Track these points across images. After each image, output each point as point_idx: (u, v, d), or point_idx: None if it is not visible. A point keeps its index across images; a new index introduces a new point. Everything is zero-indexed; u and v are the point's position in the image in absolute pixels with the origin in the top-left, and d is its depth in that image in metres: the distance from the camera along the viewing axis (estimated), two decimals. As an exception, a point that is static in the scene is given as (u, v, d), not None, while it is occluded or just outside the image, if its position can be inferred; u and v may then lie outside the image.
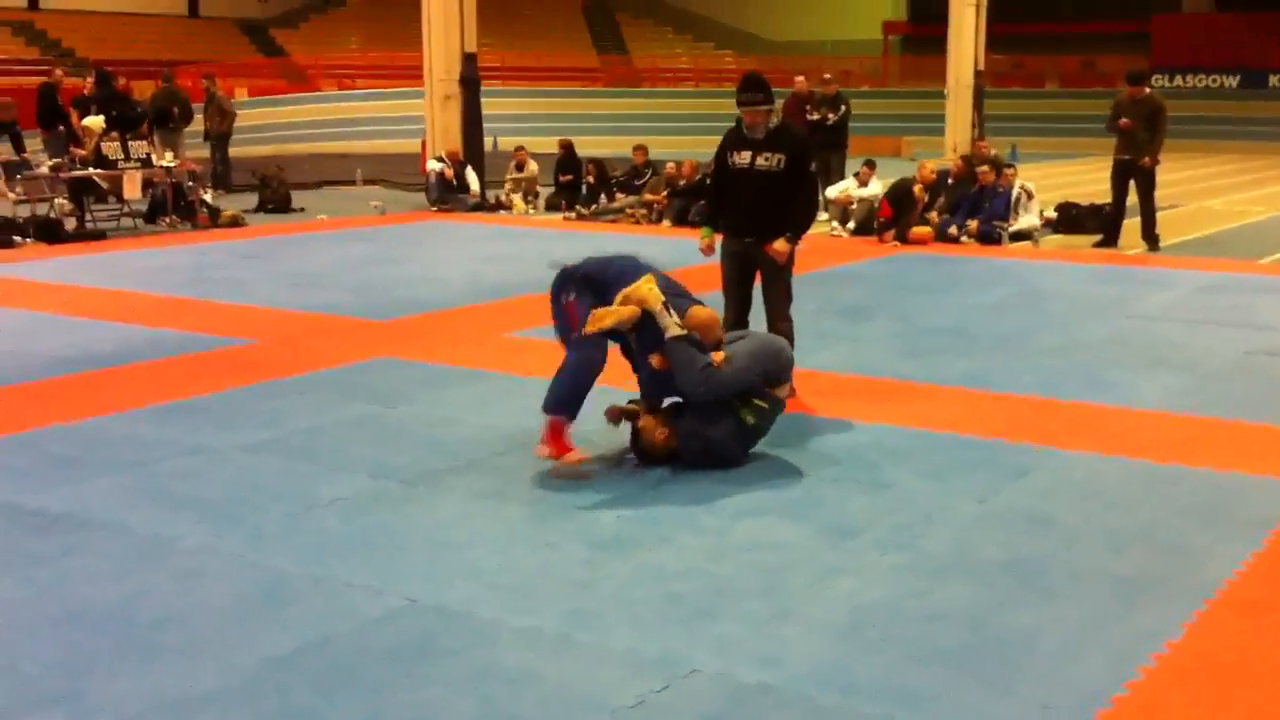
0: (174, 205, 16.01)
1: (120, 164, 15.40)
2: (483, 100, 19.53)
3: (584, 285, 5.95)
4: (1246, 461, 5.92)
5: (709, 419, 5.81)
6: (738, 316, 7.23)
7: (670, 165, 16.99)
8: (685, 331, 5.78)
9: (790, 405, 6.75)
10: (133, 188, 15.45)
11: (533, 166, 18.84)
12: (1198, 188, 21.90)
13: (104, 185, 15.60)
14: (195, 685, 3.72)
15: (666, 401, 5.99)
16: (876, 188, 15.26)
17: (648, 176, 17.33)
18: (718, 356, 5.79)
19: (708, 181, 14.46)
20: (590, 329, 5.81)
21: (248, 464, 5.91)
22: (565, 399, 5.83)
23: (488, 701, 3.63)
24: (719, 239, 7.39)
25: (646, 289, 5.82)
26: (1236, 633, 4.11)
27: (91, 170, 15.30)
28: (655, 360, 5.82)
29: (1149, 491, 5.53)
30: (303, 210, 17.90)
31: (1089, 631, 4.11)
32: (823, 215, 13.58)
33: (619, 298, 5.84)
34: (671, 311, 5.81)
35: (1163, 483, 5.64)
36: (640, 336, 5.85)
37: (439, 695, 3.67)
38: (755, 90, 7.02)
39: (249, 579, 4.53)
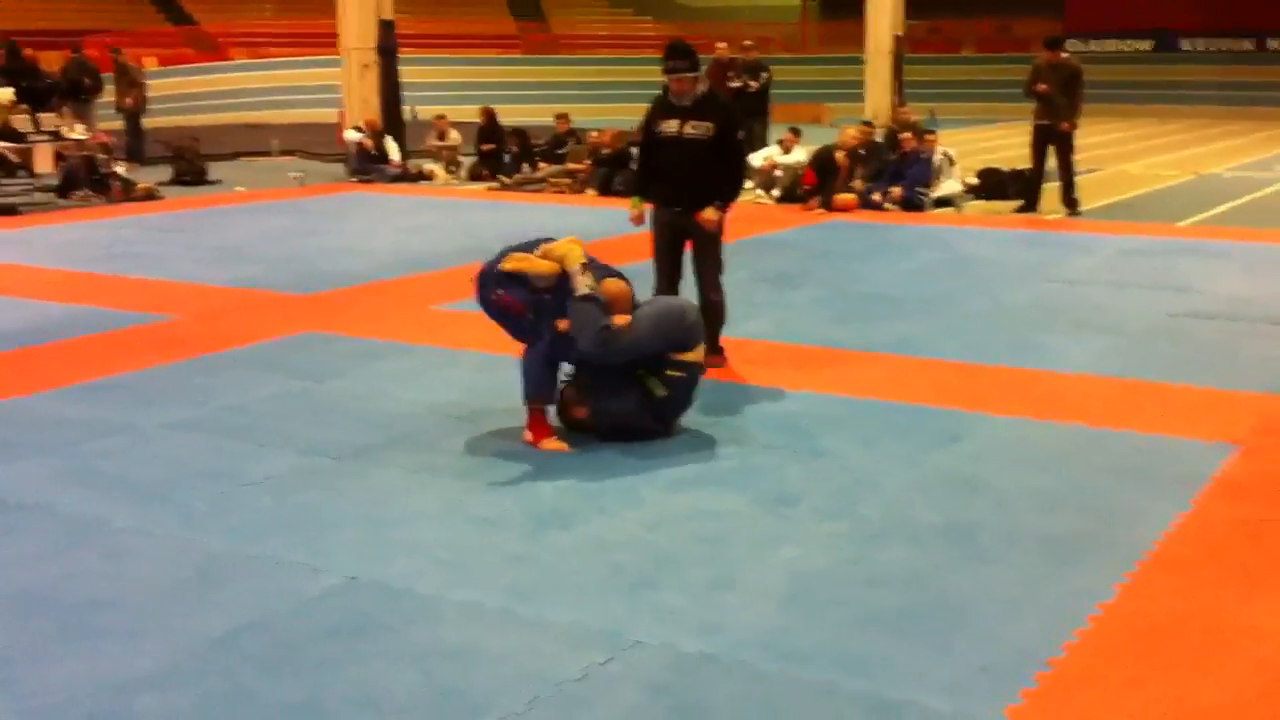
0: (87, 179, 15.66)
1: (30, 137, 15.04)
2: (401, 69, 19.30)
3: (506, 278, 5.85)
4: (1172, 423, 6.02)
5: (613, 393, 5.82)
6: (669, 285, 7.22)
7: (594, 133, 16.91)
8: (594, 293, 5.73)
9: (722, 374, 6.80)
10: (44, 161, 15.13)
11: (454, 135, 18.68)
12: (1115, 152, 22.22)
13: (14, 159, 15.24)
14: (134, 667, 3.65)
15: (567, 370, 5.98)
16: (801, 155, 15.31)
17: (570, 145, 17.25)
18: (620, 319, 5.75)
19: (634, 150, 14.48)
20: (505, 266, 5.76)
21: (175, 442, 5.81)
22: (535, 384, 5.81)
23: (431, 677, 3.60)
24: (648, 208, 7.36)
25: (568, 247, 5.77)
26: (1167, 592, 4.18)
27: (0, 144, 14.91)
28: (561, 324, 5.75)
29: (1078, 454, 5.60)
30: (219, 182, 17.61)
31: (1024, 593, 4.16)
32: (748, 183, 13.59)
33: (539, 251, 5.80)
34: (588, 273, 5.76)
35: (1091, 445, 5.72)
36: (552, 297, 5.77)
37: (381, 672, 3.63)
38: (682, 58, 6.99)
39: (183, 559, 4.45)
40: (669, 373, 5.84)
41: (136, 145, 19.89)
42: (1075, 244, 11.70)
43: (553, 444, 5.72)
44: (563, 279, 5.74)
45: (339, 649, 3.77)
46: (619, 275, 6.02)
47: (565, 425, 5.92)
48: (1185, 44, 36.42)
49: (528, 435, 5.77)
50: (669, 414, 5.94)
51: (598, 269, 5.92)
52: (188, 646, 3.79)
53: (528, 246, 5.93)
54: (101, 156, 15.97)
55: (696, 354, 5.98)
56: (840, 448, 5.69)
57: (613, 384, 5.83)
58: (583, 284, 5.71)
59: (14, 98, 15.47)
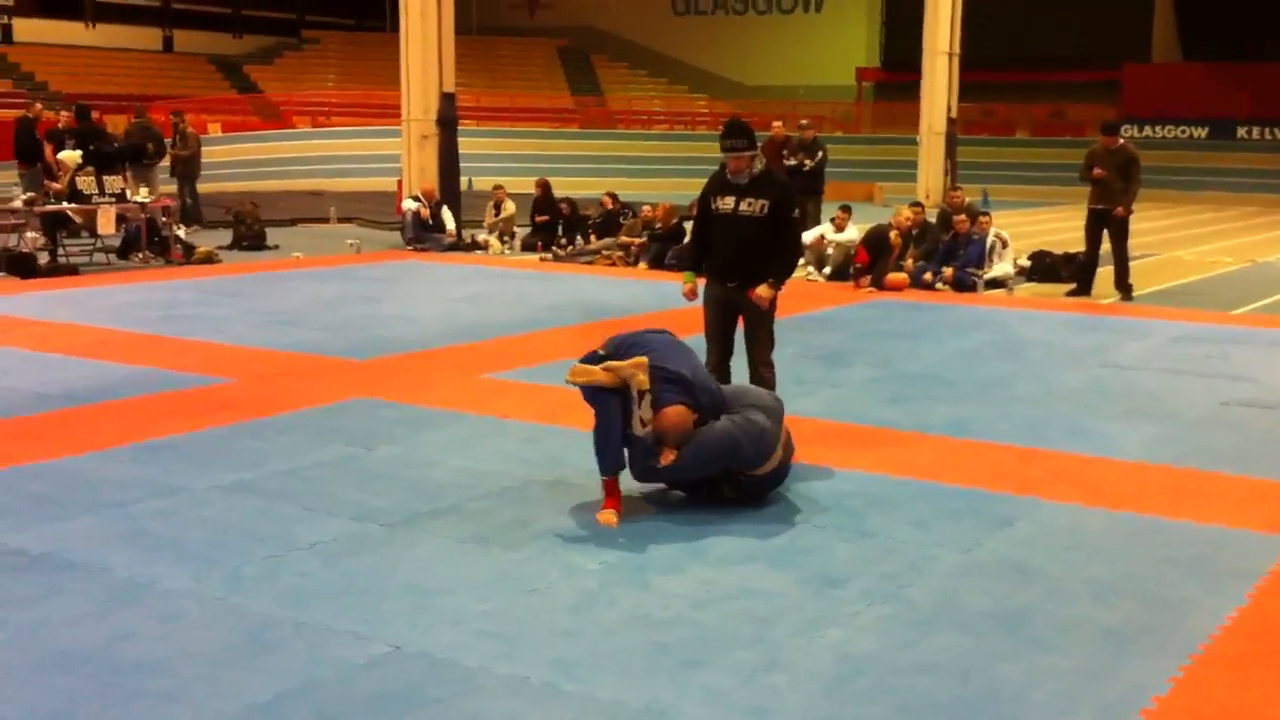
0: (148, 241, 15.93)
1: (94, 199, 15.33)
2: (459, 140, 19.56)
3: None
4: (1227, 514, 5.94)
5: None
6: (719, 361, 7.23)
7: (647, 208, 17.03)
8: (645, 432, 5.82)
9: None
10: (107, 223, 15.37)
11: (510, 206, 18.86)
12: (1169, 238, 22.10)
13: (78, 220, 15.52)
14: (177, 733, 3.66)
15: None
16: (853, 233, 15.33)
17: (627, 218, 17.37)
18: (667, 458, 5.80)
19: (686, 225, 14.56)
20: (568, 379, 5.88)
21: (226, 505, 5.85)
22: (601, 455, 5.86)
23: (475, 752, 3.58)
24: (701, 283, 7.40)
25: (632, 371, 5.84)
26: (1222, 688, 4.11)
27: (66, 205, 15.22)
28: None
29: (1132, 542, 5.53)
30: (277, 248, 17.85)
31: (1077, 684, 4.10)
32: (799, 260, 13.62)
33: (603, 367, 5.88)
34: (644, 405, 5.81)
35: (1145, 534, 5.65)
36: (624, 403, 5.89)
37: (425, 745, 3.62)
38: (739, 136, 7.05)
39: (230, 623, 4.47)
40: (742, 478, 5.98)
41: (194, 207, 20.19)
42: (1128, 329, 11.62)
43: (603, 515, 5.73)
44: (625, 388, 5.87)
45: (383, 719, 3.76)
46: (688, 389, 5.94)
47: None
48: (1241, 131, 36.27)
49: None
50: (749, 495, 6.05)
51: (666, 384, 5.88)
52: (232, 712, 3.79)
53: (594, 359, 6.00)
54: (163, 219, 16.24)
55: (769, 464, 6.01)
56: (890, 529, 5.65)
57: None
58: (637, 422, 5.83)
59: (80, 160, 15.77)
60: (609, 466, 5.84)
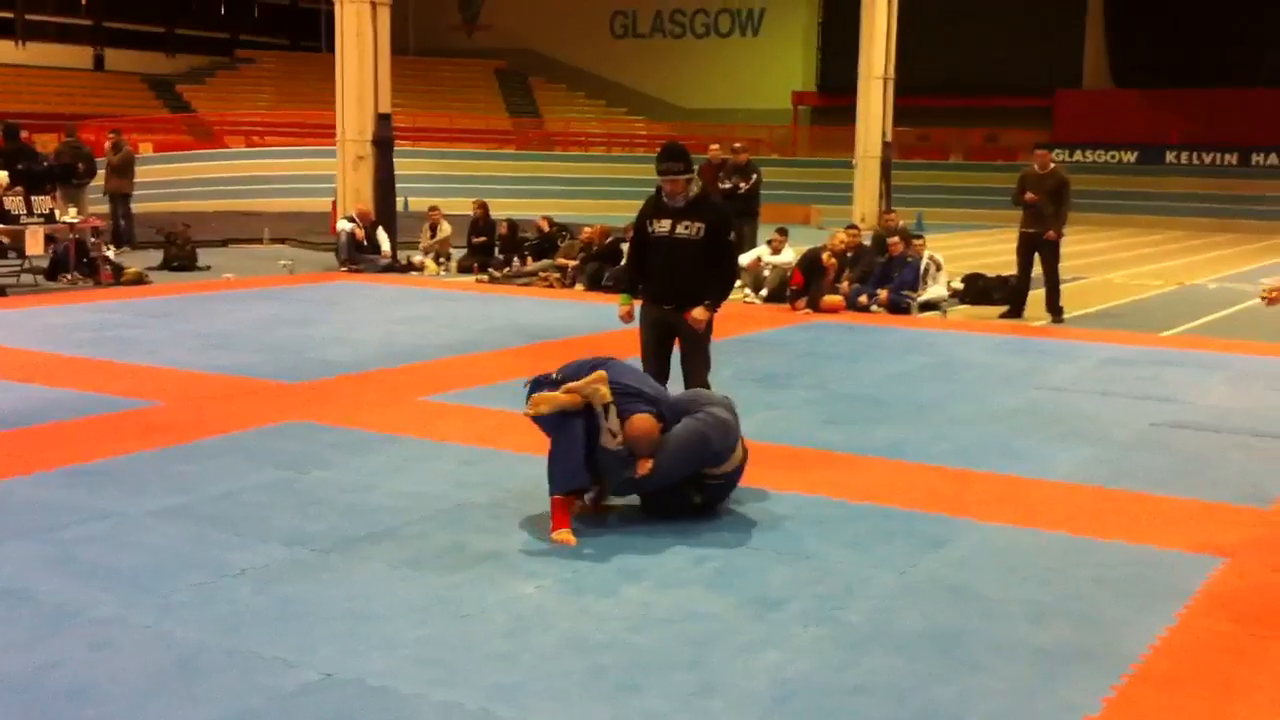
0: (76, 262, 15.69)
1: (23, 219, 15.09)
2: (395, 160, 19.47)
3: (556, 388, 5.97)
4: (1157, 534, 6.01)
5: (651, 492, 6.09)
6: (658, 381, 7.22)
7: (585, 230, 17.04)
8: (617, 445, 5.87)
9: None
10: (35, 243, 15.14)
11: (446, 227, 18.80)
12: (1099, 260, 22.43)
13: (5, 240, 15.28)
14: (104, 764, 3.59)
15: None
16: (789, 255, 15.43)
17: (564, 240, 17.36)
18: (644, 468, 5.88)
19: (623, 247, 14.57)
20: (529, 411, 5.88)
21: (157, 531, 5.76)
22: (562, 475, 5.83)
23: (409, 779, 3.54)
24: (638, 305, 7.41)
25: (593, 388, 5.89)
26: (1153, 707, 4.15)
27: (-7, 225, 14.97)
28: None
29: (1064, 563, 5.59)
30: (209, 269, 17.65)
31: (1011, 705, 4.13)
32: (736, 283, 13.69)
33: (564, 389, 5.88)
34: (610, 417, 5.87)
35: (1077, 554, 5.70)
36: (589, 421, 5.91)
37: (359, 773, 3.57)
38: (676, 159, 7.08)
39: (161, 651, 4.40)
40: (708, 482, 6.09)
41: (127, 229, 19.93)
42: (1060, 351, 11.76)
43: (559, 535, 5.71)
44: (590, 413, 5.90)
45: (316, 747, 3.72)
46: (648, 400, 6.05)
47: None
48: (1170, 156, 36.94)
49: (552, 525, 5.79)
50: (708, 505, 6.17)
51: (626, 397, 5.98)
52: (162, 741, 3.73)
53: (546, 382, 6.03)
54: (92, 240, 16.02)
55: (732, 461, 6.13)
56: (827, 550, 5.67)
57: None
58: (609, 436, 5.86)
59: (8, 180, 15.52)
60: (569, 486, 5.82)
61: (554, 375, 6.10)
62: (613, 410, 5.90)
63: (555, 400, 5.85)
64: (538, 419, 5.91)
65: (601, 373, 5.98)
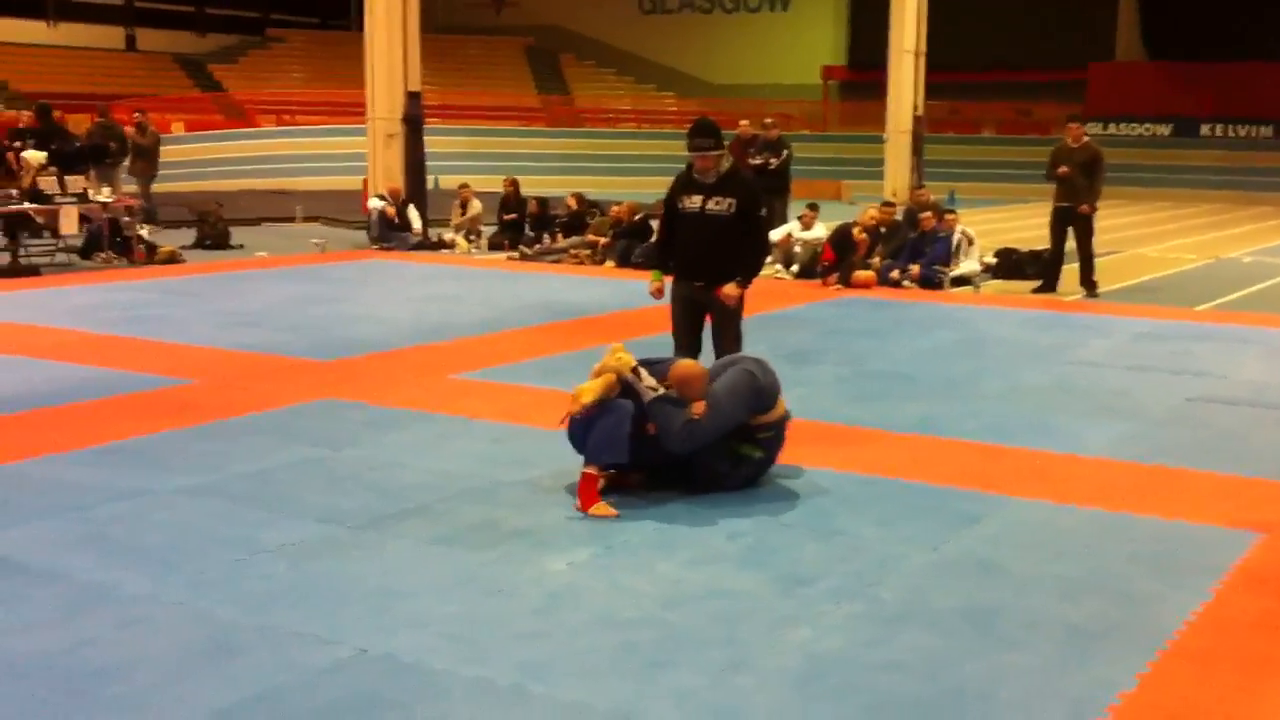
0: (110, 241, 15.78)
1: (56, 199, 15.18)
2: (425, 138, 19.48)
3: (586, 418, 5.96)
4: (1193, 510, 5.95)
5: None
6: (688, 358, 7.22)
7: (615, 207, 17.00)
8: (660, 391, 5.85)
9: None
10: (69, 223, 15.23)
11: (476, 205, 18.79)
12: (1133, 235, 22.24)
13: (39, 220, 15.36)
14: (138, 740, 3.61)
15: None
16: (820, 231, 15.35)
17: (594, 217, 17.34)
18: (698, 408, 5.84)
19: (653, 223, 14.53)
20: (575, 410, 5.86)
21: (189, 508, 5.78)
22: (594, 448, 5.83)
23: (440, 756, 3.55)
24: (669, 282, 7.38)
25: (615, 358, 5.88)
26: (1188, 683, 4.12)
27: (27, 205, 15.05)
28: (650, 427, 5.89)
29: (1098, 539, 5.54)
30: (242, 247, 17.73)
31: (1044, 682, 4.10)
32: (767, 259, 13.64)
33: (591, 373, 5.91)
34: (644, 374, 5.87)
35: (1112, 531, 5.66)
36: (635, 403, 5.91)
37: (390, 749, 3.58)
38: (706, 135, 7.04)
39: (192, 628, 4.42)
40: (759, 435, 6.05)
41: (150, 208, 19.98)
42: (1093, 326, 11.67)
43: (598, 509, 5.71)
44: (628, 386, 5.88)
45: (348, 723, 3.72)
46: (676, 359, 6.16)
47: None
48: (1204, 129, 36.57)
49: (577, 502, 5.78)
50: (758, 471, 6.16)
51: (656, 362, 6.08)
52: (195, 718, 3.74)
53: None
54: (125, 219, 16.10)
55: (779, 409, 6.13)
56: (858, 527, 5.64)
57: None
58: (645, 389, 5.85)
59: (44, 160, 15.61)
60: (605, 459, 5.82)
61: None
62: (643, 371, 5.92)
63: (595, 389, 5.84)
64: (585, 414, 5.88)
65: (617, 344, 6.03)
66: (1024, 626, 4.54)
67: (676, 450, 5.88)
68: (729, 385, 5.97)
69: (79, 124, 21.70)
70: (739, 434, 6.01)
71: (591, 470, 5.81)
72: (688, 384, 5.89)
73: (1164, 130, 36.94)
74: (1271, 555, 5.36)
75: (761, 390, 6.03)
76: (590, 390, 5.84)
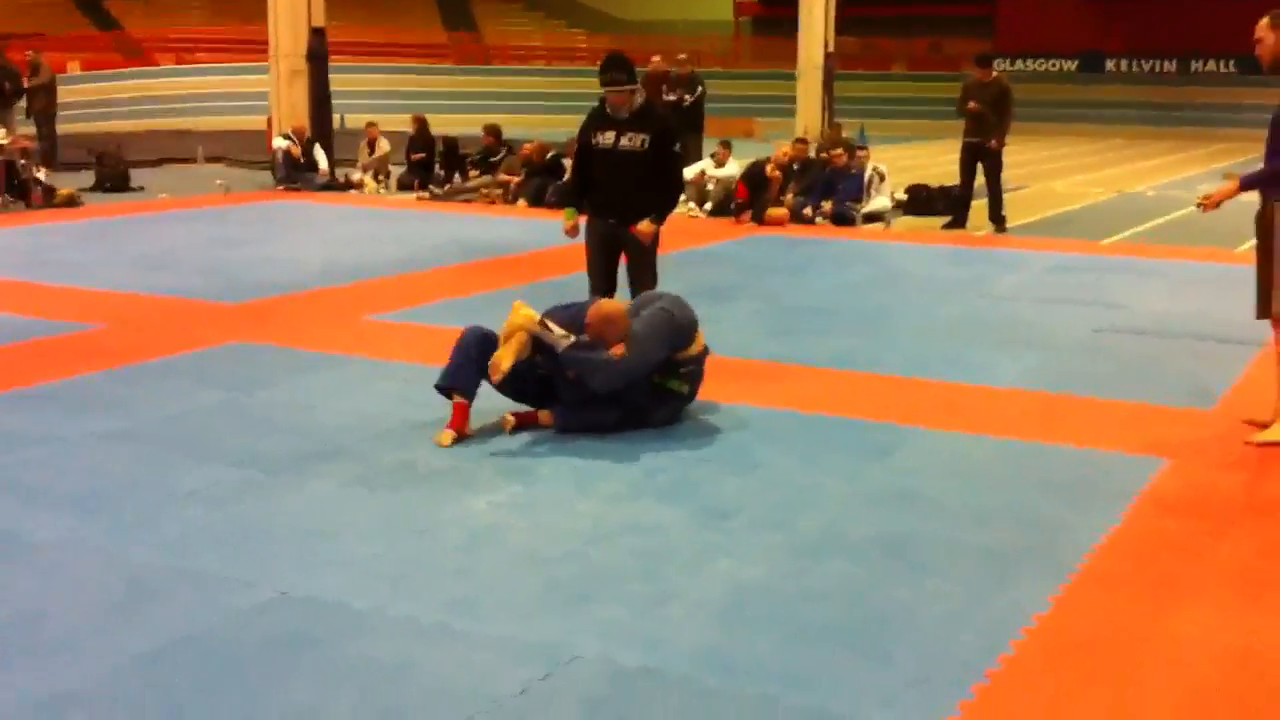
0: (6, 184, 15.34)
1: (-50, 141, 14.73)
2: (330, 76, 19.13)
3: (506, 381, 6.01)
4: (1102, 437, 6.09)
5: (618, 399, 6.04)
6: (604, 297, 7.20)
7: (527, 145, 16.86)
8: (571, 339, 5.87)
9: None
10: (-36, 166, 14.79)
11: (384, 144, 18.52)
12: (1041, 170, 22.54)
13: (-68, 163, 14.91)
14: (63, 684, 3.57)
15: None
16: (733, 169, 15.36)
17: (502, 155, 17.18)
18: (618, 350, 5.84)
19: (565, 162, 14.44)
20: (495, 378, 5.87)
21: (102, 453, 5.69)
22: (457, 375, 5.98)
23: (367, 694, 3.55)
24: (583, 220, 7.35)
25: (520, 315, 5.89)
26: (1100, 605, 4.23)
27: (-81, 147, 14.60)
28: (571, 373, 5.91)
29: (1011, 468, 5.66)
30: (142, 189, 17.32)
31: (961, 607, 4.19)
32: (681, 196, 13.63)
33: (501, 335, 5.91)
34: (551, 325, 5.88)
35: (1024, 459, 5.77)
36: (549, 360, 5.92)
37: (316, 689, 3.57)
38: (619, 70, 6.99)
39: (111, 572, 4.36)
40: (681, 370, 6.09)
41: (50, 149, 19.47)
42: (1003, 260, 11.84)
43: (439, 436, 5.85)
44: (538, 341, 5.88)
45: (273, 665, 3.71)
46: (586, 303, 6.20)
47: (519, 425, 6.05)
48: (1110, 65, 37.07)
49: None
50: (681, 406, 6.23)
51: (569, 307, 6.11)
52: (118, 663, 3.71)
53: (472, 341, 6.03)
54: (22, 162, 15.66)
55: (698, 344, 6.18)
56: (777, 461, 5.70)
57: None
58: (557, 339, 5.85)
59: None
60: (443, 381, 6.01)
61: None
62: (549, 322, 5.93)
63: (509, 353, 5.84)
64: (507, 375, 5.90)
65: (517, 300, 6.03)
66: (940, 554, 4.63)
67: (601, 390, 5.89)
68: (647, 323, 5.98)
69: (-30, 64, 20.99)
70: (663, 369, 6.04)
71: (458, 400, 5.94)
72: (609, 323, 5.90)
73: (1071, 65, 37.39)
74: (1178, 480, 5.51)
75: (680, 327, 6.06)
76: (505, 355, 5.84)
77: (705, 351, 6.24)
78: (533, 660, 3.75)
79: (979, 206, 14.09)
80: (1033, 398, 6.85)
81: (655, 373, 6.02)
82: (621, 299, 6.95)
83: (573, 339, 5.88)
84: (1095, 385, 7.08)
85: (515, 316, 5.90)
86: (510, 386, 6.01)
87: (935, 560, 4.57)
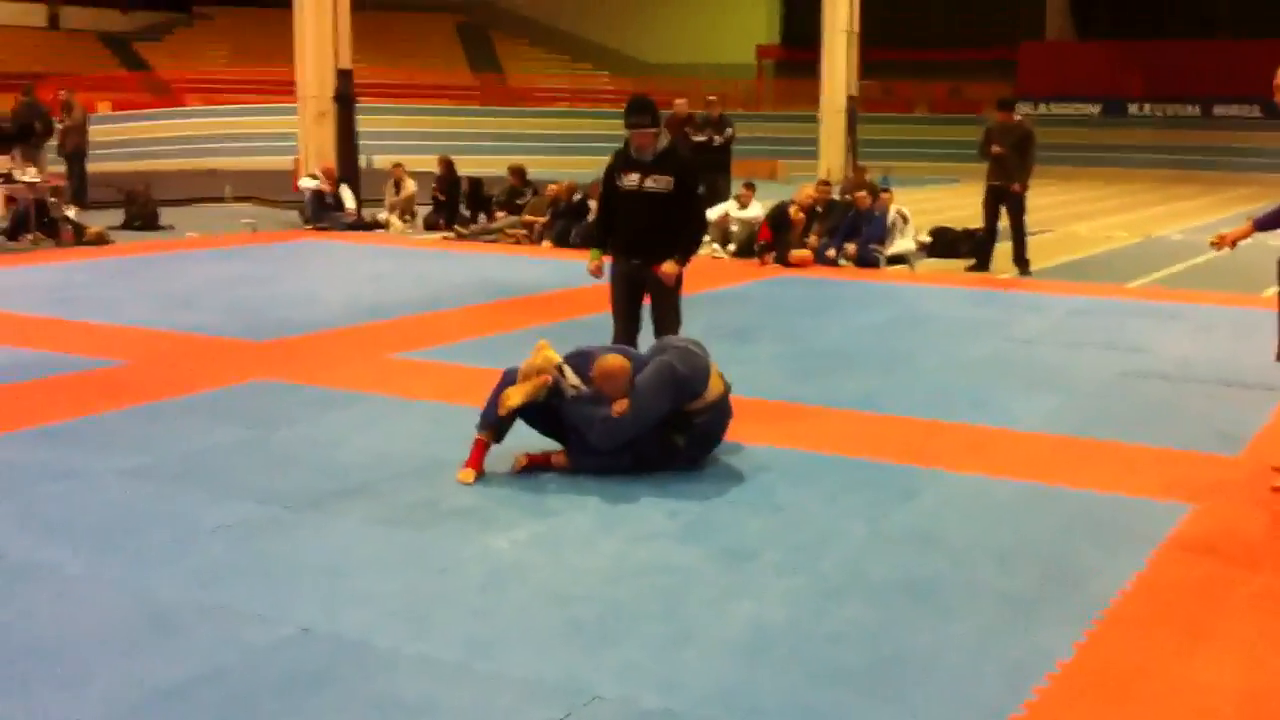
0: (37, 222, 15.49)
1: (-20, 179, 14.90)
2: (357, 117, 19.30)
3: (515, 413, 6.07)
4: (1126, 482, 6.05)
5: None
6: (627, 338, 7.23)
7: (552, 186, 16.94)
8: (581, 389, 5.90)
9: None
10: (-6, 203, 14.95)
11: (410, 185, 18.65)
12: (1064, 213, 22.52)
13: (-37, 201, 15.08)
14: (81, 715, 3.57)
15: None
16: (757, 210, 15.39)
17: (528, 196, 17.27)
18: (619, 406, 5.83)
19: (590, 203, 14.51)
20: (502, 412, 5.92)
21: (126, 489, 5.71)
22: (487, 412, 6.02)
23: (387, 732, 3.54)
24: (607, 261, 7.38)
25: (541, 357, 5.95)
26: (1125, 650, 4.19)
27: (-50, 185, 14.77)
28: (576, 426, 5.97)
29: (1034, 511, 5.63)
30: (171, 228, 17.48)
31: (984, 650, 4.16)
32: (704, 237, 13.66)
33: (520, 374, 5.96)
34: (566, 373, 5.91)
35: (1048, 502, 5.74)
36: (563, 402, 5.96)
37: (336, 727, 3.57)
38: (643, 113, 7.04)
39: (132, 607, 4.37)
40: (696, 420, 6.02)
41: (80, 188, 19.66)
42: (1027, 303, 11.82)
43: (460, 474, 5.87)
44: (555, 385, 5.93)
45: (292, 703, 3.71)
46: (617, 352, 6.18)
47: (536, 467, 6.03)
48: (1133, 109, 37.08)
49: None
50: (699, 453, 6.15)
51: (583, 356, 6.09)
52: (134, 698, 3.71)
53: (510, 382, 6.03)
54: (52, 200, 15.82)
55: (712, 390, 6.07)
56: (799, 502, 5.68)
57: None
58: (568, 386, 5.89)
59: (-35, 140, 15.36)
60: (482, 421, 6.01)
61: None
62: (566, 369, 5.96)
63: (521, 391, 5.89)
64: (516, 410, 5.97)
65: (541, 340, 6.07)
66: (963, 597, 4.61)
67: (601, 447, 5.90)
68: (649, 379, 5.93)
69: (3, 103, 21.23)
70: (670, 422, 5.98)
71: (478, 435, 5.98)
72: (610, 379, 5.90)
73: (1094, 110, 37.43)
74: (1203, 525, 5.47)
75: (683, 380, 5.96)
76: (517, 394, 5.89)
77: (726, 392, 6.21)
78: (552, 701, 3.74)
79: (1003, 249, 14.07)
80: (1056, 441, 6.82)
81: (664, 425, 5.97)
82: (645, 340, 6.98)
83: (582, 389, 5.91)
84: (1119, 429, 7.05)
85: (537, 358, 5.94)
86: (518, 414, 6.04)
87: (957, 603, 4.55)
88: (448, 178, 18.50)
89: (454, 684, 3.85)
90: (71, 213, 16.34)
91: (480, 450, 5.96)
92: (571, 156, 30.68)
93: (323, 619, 4.29)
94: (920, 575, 4.82)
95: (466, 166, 20.20)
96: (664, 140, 7.15)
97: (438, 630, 4.23)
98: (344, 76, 18.83)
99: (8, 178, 15.23)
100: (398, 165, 19.03)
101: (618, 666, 3.97)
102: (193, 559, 4.85)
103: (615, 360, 5.99)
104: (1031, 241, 14.36)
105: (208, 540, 5.06)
